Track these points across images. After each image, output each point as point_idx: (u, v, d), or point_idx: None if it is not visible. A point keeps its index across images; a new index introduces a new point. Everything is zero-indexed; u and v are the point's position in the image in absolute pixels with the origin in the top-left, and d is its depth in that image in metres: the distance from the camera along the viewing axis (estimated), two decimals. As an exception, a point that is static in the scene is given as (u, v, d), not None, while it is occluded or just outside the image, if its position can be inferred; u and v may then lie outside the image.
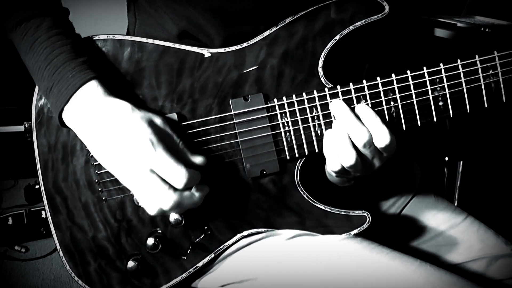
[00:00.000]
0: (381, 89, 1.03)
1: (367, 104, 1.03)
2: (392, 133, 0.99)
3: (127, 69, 1.06)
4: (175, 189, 0.95)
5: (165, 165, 0.93)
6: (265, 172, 1.07)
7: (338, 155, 1.00)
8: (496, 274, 1.18)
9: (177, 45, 1.06)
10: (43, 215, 2.83)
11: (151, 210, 0.96)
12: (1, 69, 3.23)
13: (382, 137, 0.98)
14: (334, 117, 1.03)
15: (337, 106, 1.02)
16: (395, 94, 1.03)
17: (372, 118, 1.00)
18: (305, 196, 1.08)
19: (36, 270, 2.66)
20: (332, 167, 1.03)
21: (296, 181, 1.08)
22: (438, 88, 1.03)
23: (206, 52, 1.06)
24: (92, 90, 0.97)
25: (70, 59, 0.98)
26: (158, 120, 0.98)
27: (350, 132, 0.99)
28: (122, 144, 0.94)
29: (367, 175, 1.10)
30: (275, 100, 1.05)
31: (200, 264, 1.11)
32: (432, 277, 0.98)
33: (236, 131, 1.06)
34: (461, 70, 1.02)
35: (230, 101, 1.05)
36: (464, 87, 1.03)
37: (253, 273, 1.10)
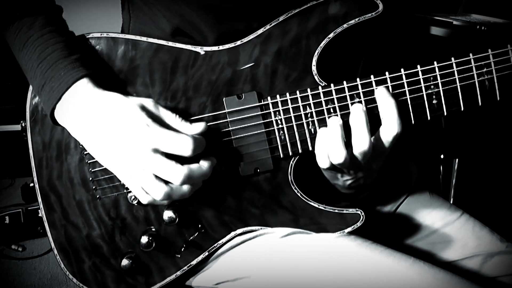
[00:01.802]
0: (375, 87, 1.03)
1: (361, 102, 1.03)
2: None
3: (121, 67, 1.06)
4: (181, 164, 0.93)
5: (168, 138, 0.92)
6: (258, 170, 1.07)
7: (328, 152, 1.01)
8: (491, 271, 1.18)
9: (170, 43, 1.06)
10: (40, 214, 2.83)
11: (158, 195, 0.94)
12: (-2, 68, 3.23)
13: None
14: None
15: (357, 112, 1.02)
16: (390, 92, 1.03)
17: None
18: (298, 194, 1.08)
19: (33, 269, 2.66)
20: (321, 163, 1.03)
21: (289, 179, 1.08)
22: (432, 86, 1.03)
23: (200, 50, 1.06)
24: (84, 87, 0.97)
25: (62, 57, 0.98)
26: (149, 102, 0.97)
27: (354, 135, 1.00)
28: (119, 131, 0.93)
29: (365, 183, 1.11)
30: (269, 98, 1.05)
31: (194, 262, 1.11)
32: (426, 275, 0.98)
33: (230, 129, 1.06)
34: (455, 68, 1.02)
35: (223, 99, 1.05)
36: (458, 84, 1.03)
37: (247, 271, 1.10)
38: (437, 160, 2.54)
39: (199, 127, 0.99)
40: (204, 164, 0.98)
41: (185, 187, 0.96)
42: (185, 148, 0.93)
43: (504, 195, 2.52)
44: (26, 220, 2.86)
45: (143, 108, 0.96)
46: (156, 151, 0.92)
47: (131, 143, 0.92)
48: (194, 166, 0.96)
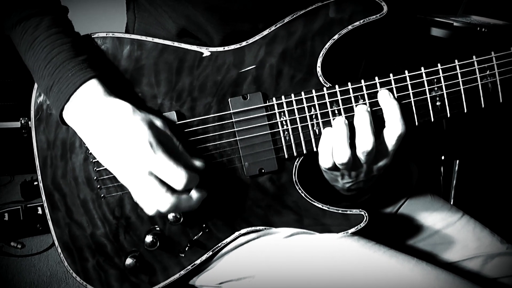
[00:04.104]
0: (379, 89, 1.03)
1: (365, 104, 1.04)
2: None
3: (126, 67, 1.06)
4: (173, 192, 0.95)
5: (164, 166, 0.93)
6: (263, 171, 1.08)
7: (333, 151, 1.01)
8: (491, 272, 1.19)
9: (176, 44, 1.06)
10: (39, 211, 2.83)
11: (149, 211, 0.96)
12: (-2, 65, 3.23)
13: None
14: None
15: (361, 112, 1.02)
16: (393, 94, 1.03)
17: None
18: (303, 195, 1.09)
19: (32, 266, 2.66)
20: (323, 162, 1.04)
21: (294, 180, 1.09)
22: (436, 88, 1.03)
23: (206, 51, 1.06)
24: (92, 89, 0.97)
25: (69, 57, 0.98)
26: (158, 122, 0.99)
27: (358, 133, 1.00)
28: (122, 145, 0.94)
29: (364, 186, 1.11)
30: (274, 99, 1.05)
31: (198, 261, 1.11)
32: (428, 276, 0.99)
33: (235, 129, 1.06)
34: (458, 71, 1.03)
35: (229, 100, 1.06)
36: (462, 87, 1.03)
37: (250, 271, 1.11)
38: (438, 162, 2.55)
39: (197, 164, 1.01)
40: (193, 196, 0.99)
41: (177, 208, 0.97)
42: (178, 182, 0.94)
43: (505, 196, 2.53)
44: (25, 217, 2.85)
45: (151, 125, 0.97)
46: (151, 174, 0.94)
47: (131, 159, 0.94)
48: (183, 196, 0.97)
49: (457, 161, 2.43)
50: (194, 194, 0.98)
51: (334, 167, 1.04)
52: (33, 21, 1.01)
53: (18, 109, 3.28)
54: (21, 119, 3.10)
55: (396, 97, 1.02)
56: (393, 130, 1.00)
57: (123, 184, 0.98)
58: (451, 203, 2.41)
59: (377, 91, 1.03)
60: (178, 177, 0.93)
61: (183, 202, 0.97)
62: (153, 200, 0.94)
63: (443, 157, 2.53)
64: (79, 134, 1.00)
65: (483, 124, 2.43)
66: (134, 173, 0.94)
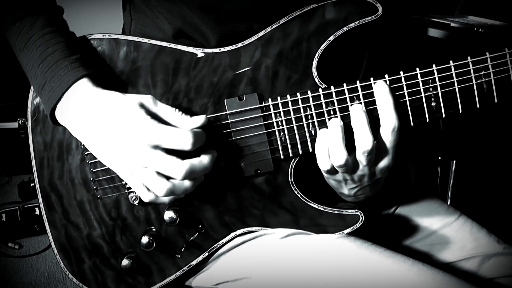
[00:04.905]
0: (374, 89, 1.03)
1: (360, 103, 1.04)
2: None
3: (122, 68, 1.06)
4: (182, 159, 0.94)
5: (166, 133, 0.93)
6: (259, 171, 1.08)
7: (329, 153, 1.01)
8: (488, 272, 1.19)
9: (172, 45, 1.06)
10: (37, 212, 2.84)
11: (145, 197, 0.96)
12: (-4, 65, 3.23)
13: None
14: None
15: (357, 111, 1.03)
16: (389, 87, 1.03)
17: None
18: (298, 195, 1.09)
19: (29, 267, 2.66)
20: (322, 165, 1.04)
21: (290, 180, 1.09)
22: (431, 89, 1.04)
23: (202, 52, 1.06)
24: (83, 87, 0.97)
25: (63, 57, 0.98)
26: (148, 99, 0.97)
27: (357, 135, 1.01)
28: (119, 128, 0.93)
29: (371, 191, 1.12)
30: (270, 100, 1.06)
31: (194, 262, 1.12)
32: (425, 276, 0.99)
33: (231, 130, 1.06)
34: (453, 71, 1.03)
35: (225, 101, 1.06)
36: (456, 87, 1.03)
37: (247, 271, 1.11)
38: (434, 162, 2.55)
39: (199, 120, 0.99)
40: (205, 158, 0.98)
41: (187, 182, 0.97)
42: (185, 142, 0.93)
43: (501, 197, 2.54)
44: (23, 218, 2.85)
45: (142, 105, 0.96)
46: (156, 147, 0.93)
47: (130, 140, 0.93)
48: (195, 160, 0.96)
49: (454, 161, 2.44)
50: (205, 156, 0.98)
51: (333, 170, 1.04)
52: (28, 21, 1.01)
53: (16, 109, 3.28)
54: (18, 119, 3.10)
55: (390, 89, 1.02)
56: (388, 123, 1.00)
57: (124, 175, 0.98)
58: (448, 203, 2.41)
59: (373, 91, 1.03)
60: (184, 138, 0.93)
61: (197, 165, 0.96)
62: (168, 171, 0.94)
63: (440, 158, 2.54)
64: (71, 131, 1.00)
65: (480, 125, 2.44)
66: (137, 151, 0.93)
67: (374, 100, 1.03)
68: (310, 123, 1.06)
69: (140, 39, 1.06)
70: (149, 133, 0.92)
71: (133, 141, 0.93)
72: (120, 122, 0.94)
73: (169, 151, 0.94)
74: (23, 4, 1.02)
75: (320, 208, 1.09)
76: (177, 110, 0.98)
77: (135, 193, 1.07)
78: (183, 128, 0.96)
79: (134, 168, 0.95)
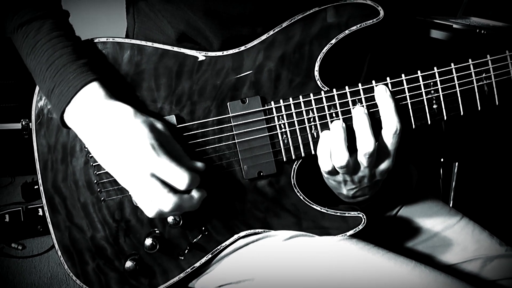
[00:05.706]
0: (375, 93, 1.04)
1: (362, 106, 1.04)
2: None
3: (127, 71, 1.07)
4: (174, 192, 0.96)
5: (167, 168, 0.94)
6: (262, 174, 1.08)
7: (331, 154, 1.02)
8: (490, 274, 1.19)
9: (176, 48, 1.07)
10: (40, 213, 2.84)
11: (150, 213, 0.97)
12: (0, 66, 3.23)
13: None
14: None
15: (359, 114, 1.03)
16: (389, 90, 1.04)
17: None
18: (301, 198, 1.09)
19: (32, 268, 2.67)
20: (323, 165, 1.04)
21: (292, 183, 1.09)
22: (432, 91, 1.04)
23: (205, 56, 1.07)
24: (93, 92, 0.98)
25: (71, 61, 0.99)
26: (159, 125, 1.00)
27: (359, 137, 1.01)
28: (124, 148, 0.95)
29: (370, 193, 1.12)
30: (272, 102, 1.06)
31: (197, 264, 1.12)
32: (427, 278, 1.00)
33: (234, 132, 1.07)
34: (454, 74, 1.03)
35: (228, 104, 1.06)
36: (458, 89, 1.04)
37: (250, 273, 1.11)
38: (437, 164, 2.55)
39: (198, 165, 1.03)
40: (194, 196, 0.99)
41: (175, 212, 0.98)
42: (181, 182, 0.95)
43: (504, 198, 2.53)
44: (26, 219, 2.86)
45: (152, 128, 0.98)
46: (153, 175, 0.94)
47: (133, 161, 0.94)
48: (185, 196, 0.98)
49: (456, 163, 2.44)
50: (195, 193, 0.99)
51: (334, 171, 1.04)
52: (35, 25, 1.02)
53: (19, 110, 3.29)
54: (22, 120, 3.11)
55: (391, 92, 1.03)
56: (389, 126, 1.00)
57: (124, 186, 0.99)
58: (450, 205, 2.42)
59: (374, 95, 1.04)
60: (180, 177, 0.94)
61: (186, 201, 0.97)
62: (156, 201, 0.95)
63: (442, 160, 2.54)
64: (80, 136, 1.01)
65: (482, 127, 2.43)
66: (136, 175, 0.94)
67: (376, 103, 1.04)
68: (313, 126, 1.06)
69: (143, 43, 1.07)
70: (151, 161, 0.94)
71: (135, 163, 0.94)
72: (128, 140, 0.95)
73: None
74: (29, 9, 1.03)
75: (322, 210, 1.09)
76: (181, 148, 1.02)
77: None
78: (182, 166, 0.96)
79: (135, 182, 0.96)
